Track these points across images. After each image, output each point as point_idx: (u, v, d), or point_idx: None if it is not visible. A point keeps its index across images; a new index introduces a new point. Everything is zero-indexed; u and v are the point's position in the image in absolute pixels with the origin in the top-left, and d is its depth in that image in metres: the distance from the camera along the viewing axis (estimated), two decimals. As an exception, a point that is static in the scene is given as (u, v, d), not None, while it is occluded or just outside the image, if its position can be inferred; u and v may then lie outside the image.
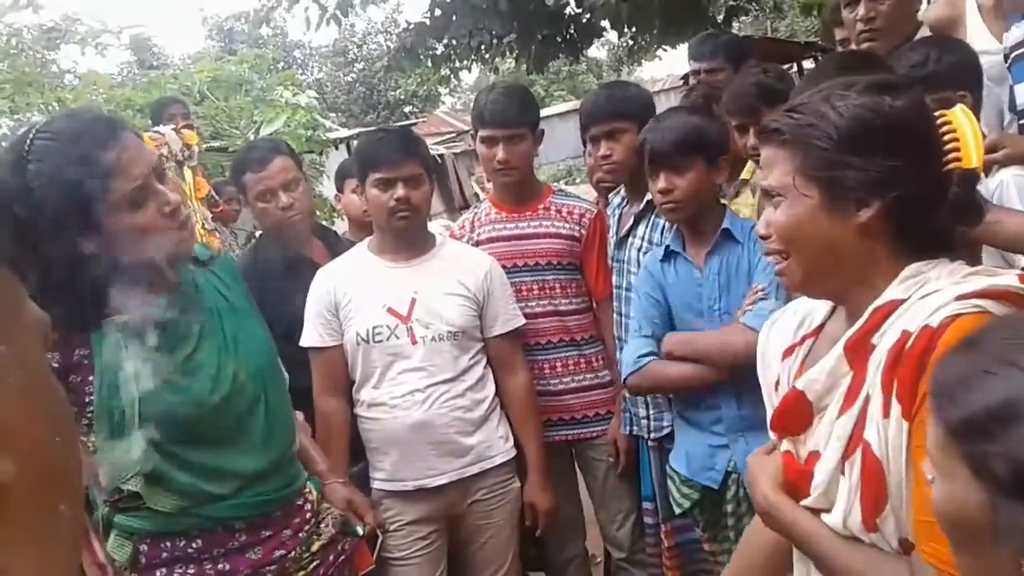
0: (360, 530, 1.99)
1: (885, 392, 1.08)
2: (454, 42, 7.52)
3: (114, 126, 1.59)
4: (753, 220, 2.39)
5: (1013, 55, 2.23)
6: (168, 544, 1.67)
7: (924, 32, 2.57)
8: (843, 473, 1.14)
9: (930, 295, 1.10)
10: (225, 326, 1.73)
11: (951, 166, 1.16)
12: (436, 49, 7.68)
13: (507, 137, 2.59)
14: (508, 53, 8.00)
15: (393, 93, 30.60)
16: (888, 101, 1.16)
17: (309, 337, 2.41)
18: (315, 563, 1.82)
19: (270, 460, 1.74)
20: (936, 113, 1.20)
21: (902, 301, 1.13)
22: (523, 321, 2.54)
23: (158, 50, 27.05)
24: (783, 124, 1.21)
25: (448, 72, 8.34)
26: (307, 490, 1.88)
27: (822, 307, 1.34)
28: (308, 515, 1.84)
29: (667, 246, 2.35)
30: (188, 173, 4.10)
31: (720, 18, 7.28)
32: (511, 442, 2.48)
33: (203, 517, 1.67)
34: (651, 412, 2.55)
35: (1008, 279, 1.07)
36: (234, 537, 1.71)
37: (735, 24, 8.17)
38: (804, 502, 1.21)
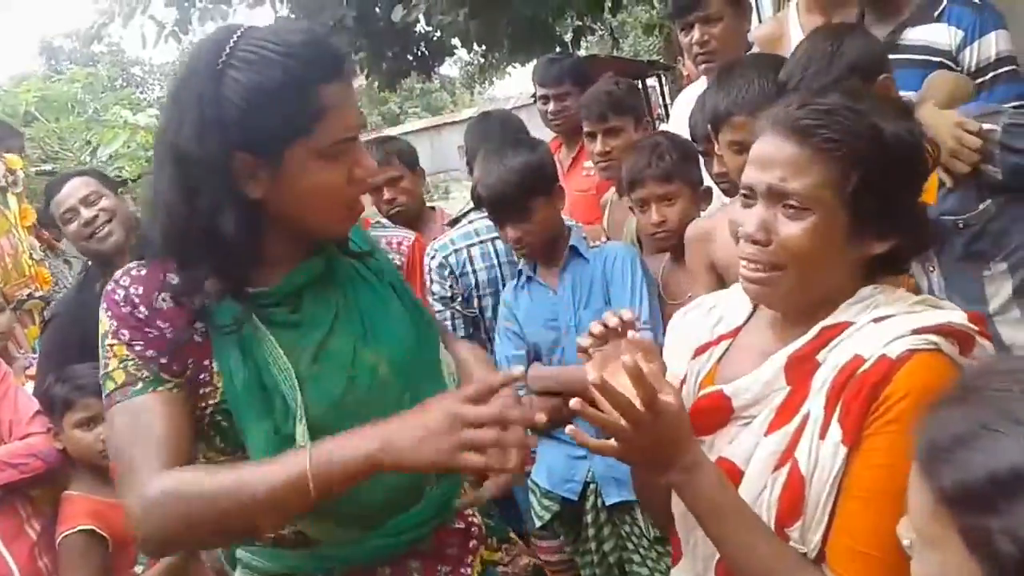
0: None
1: (827, 413, 1.04)
2: (302, 59, 7.37)
3: (341, 60, 1.24)
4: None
5: None
6: None
7: (755, 50, 2.71)
8: (766, 486, 1.09)
9: (883, 320, 1.06)
10: (364, 313, 1.34)
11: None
12: (284, 67, 7.50)
13: None
14: (359, 71, 7.90)
15: (241, 112, 29.69)
16: (915, 127, 1.08)
17: None
18: None
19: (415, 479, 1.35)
20: None
21: (852, 323, 1.09)
22: None
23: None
24: (830, 129, 1.05)
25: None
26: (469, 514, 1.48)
27: (741, 307, 1.27)
28: (471, 543, 1.45)
29: (519, 272, 2.41)
30: (13, 200, 3.81)
31: (567, 38, 7.45)
32: None
33: (336, 559, 1.32)
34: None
35: (960, 317, 1.05)
36: None
37: (582, 43, 8.38)
38: None
